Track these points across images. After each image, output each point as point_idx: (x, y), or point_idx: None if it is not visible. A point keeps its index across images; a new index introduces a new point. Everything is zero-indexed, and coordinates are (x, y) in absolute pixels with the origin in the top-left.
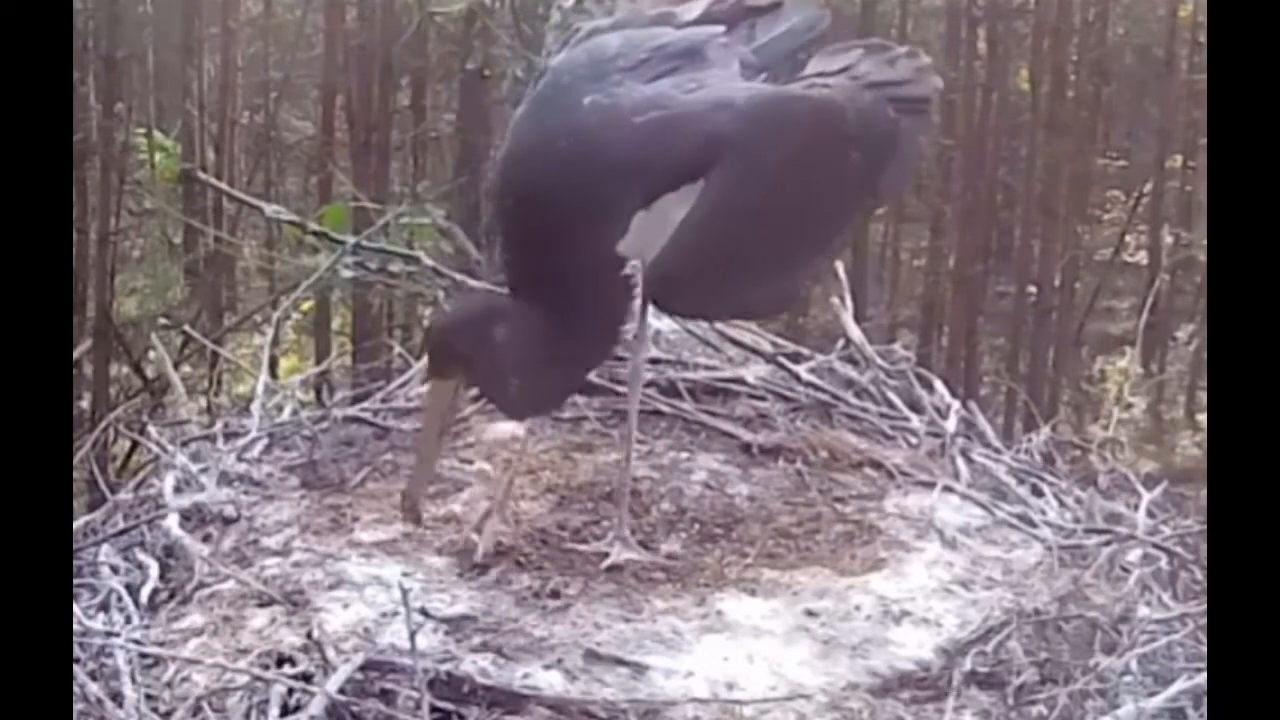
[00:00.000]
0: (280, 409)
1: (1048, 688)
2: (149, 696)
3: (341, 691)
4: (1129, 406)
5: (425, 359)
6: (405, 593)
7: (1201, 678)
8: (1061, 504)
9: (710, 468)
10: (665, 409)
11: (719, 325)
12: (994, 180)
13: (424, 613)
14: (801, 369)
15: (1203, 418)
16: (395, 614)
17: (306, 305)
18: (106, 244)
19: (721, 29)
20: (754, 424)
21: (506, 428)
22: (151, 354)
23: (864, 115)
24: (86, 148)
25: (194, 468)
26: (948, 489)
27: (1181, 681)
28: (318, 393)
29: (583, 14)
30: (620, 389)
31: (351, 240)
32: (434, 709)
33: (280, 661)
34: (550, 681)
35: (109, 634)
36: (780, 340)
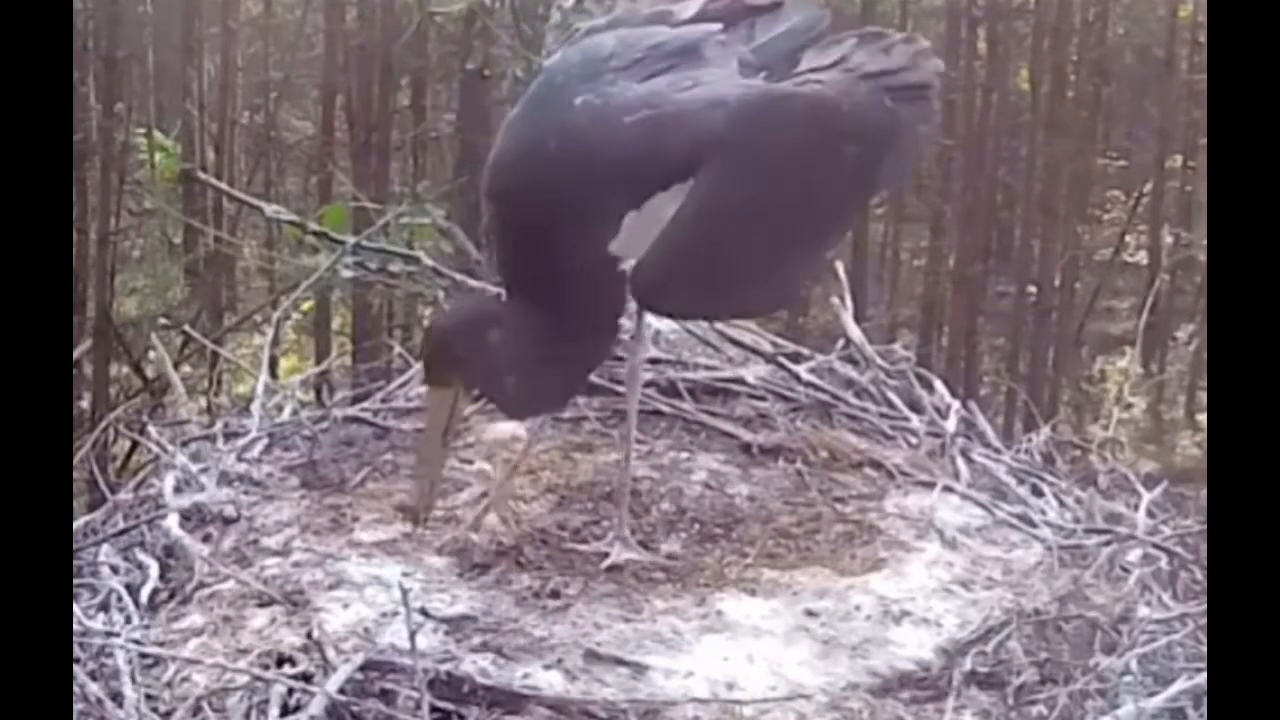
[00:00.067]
0: (280, 409)
1: (1048, 688)
2: (149, 696)
3: (341, 691)
4: (1129, 406)
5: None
6: (405, 593)
7: (1201, 678)
8: (1061, 504)
9: (710, 468)
10: (665, 409)
11: (719, 325)
12: (994, 180)
13: (424, 613)
14: (801, 369)
15: (1203, 418)
16: (395, 614)
17: (306, 305)
18: (106, 244)
19: (718, 27)
20: (754, 424)
21: (506, 428)
22: (151, 354)
23: (859, 108)
24: (86, 148)
25: (194, 468)
26: (948, 489)
27: (1181, 681)
28: (318, 393)
29: (583, 14)
30: (620, 389)
31: (351, 240)
32: (434, 709)
33: (280, 661)
34: (550, 681)
35: (109, 634)
36: (780, 340)
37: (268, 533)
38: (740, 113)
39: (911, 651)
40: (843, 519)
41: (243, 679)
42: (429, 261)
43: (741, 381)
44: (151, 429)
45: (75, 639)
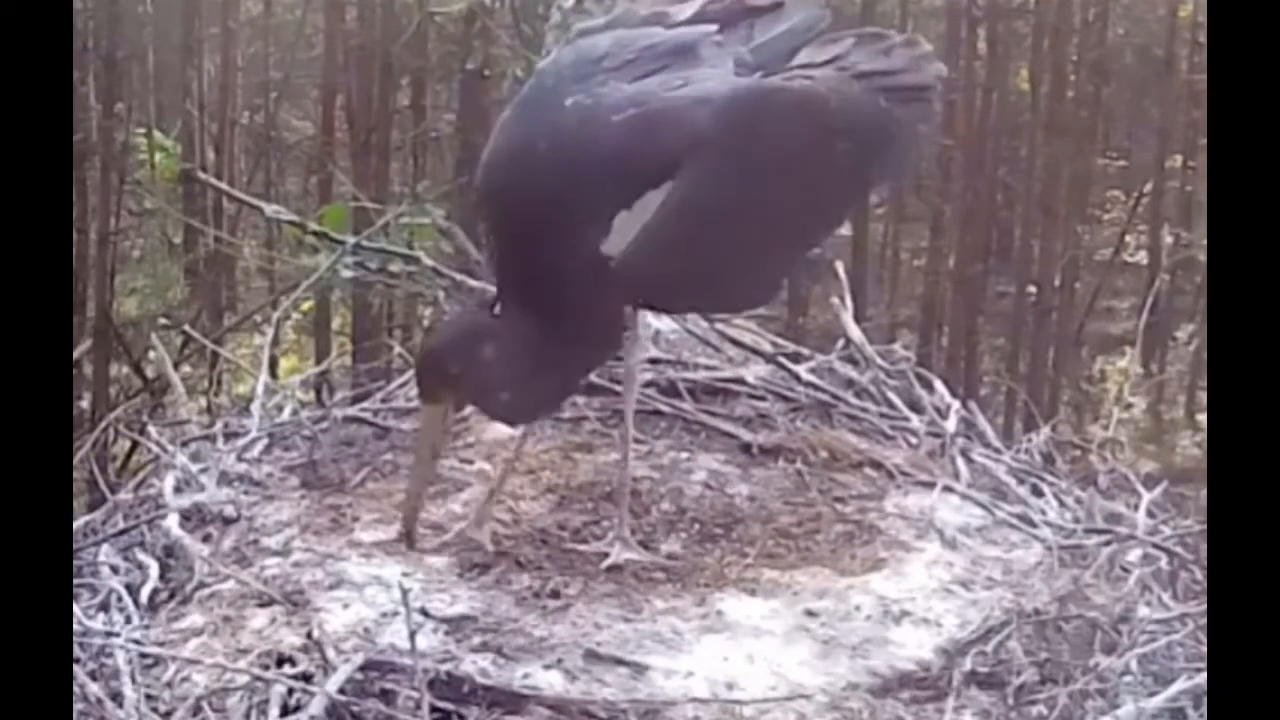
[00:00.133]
0: (280, 409)
1: (1048, 688)
2: (149, 696)
3: (341, 691)
4: (1129, 406)
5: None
6: (405, 593)
7: (1201, 678)
8: (1061, 504)
9: (710, 468)
10: (665, 409)
11: (719, 325)
12: (994, 180)
13: (424, 613)
14: (801, 369)
15: (1203, 418)
16: (395, 614)
17: (306, 305)
18: (106, 244)
19: (714, 28)
20: (754, 424)
21: (506, 428)
22: (151, 354)
23: (849, 105)
24: (86, 148)
25: (194, 468)
26: (948, 489)
27: (1181, 681)
28: (318, 393)
29: (583, 14)
30: (620, 389)
31: (351, 240)
32: (434, 709)
33: (280, 661)
34: (550, 681)
35: (109, 634)
36: (780, 340)
37: (268, 533)
38: (726, 106)
39: (911, 651)
40: (843, 519)
41: (243, 679)
42: (429, 261)
43: (741, 381)
44: (151, 429)
45: (75, 639)
